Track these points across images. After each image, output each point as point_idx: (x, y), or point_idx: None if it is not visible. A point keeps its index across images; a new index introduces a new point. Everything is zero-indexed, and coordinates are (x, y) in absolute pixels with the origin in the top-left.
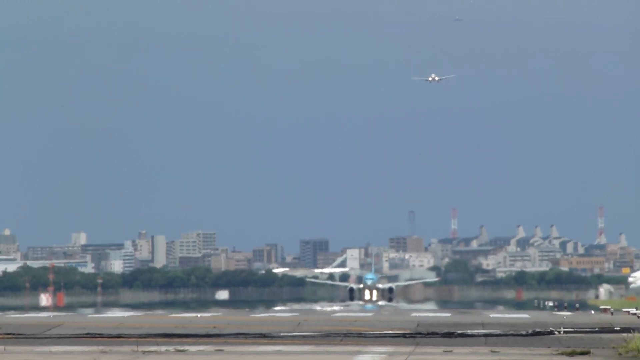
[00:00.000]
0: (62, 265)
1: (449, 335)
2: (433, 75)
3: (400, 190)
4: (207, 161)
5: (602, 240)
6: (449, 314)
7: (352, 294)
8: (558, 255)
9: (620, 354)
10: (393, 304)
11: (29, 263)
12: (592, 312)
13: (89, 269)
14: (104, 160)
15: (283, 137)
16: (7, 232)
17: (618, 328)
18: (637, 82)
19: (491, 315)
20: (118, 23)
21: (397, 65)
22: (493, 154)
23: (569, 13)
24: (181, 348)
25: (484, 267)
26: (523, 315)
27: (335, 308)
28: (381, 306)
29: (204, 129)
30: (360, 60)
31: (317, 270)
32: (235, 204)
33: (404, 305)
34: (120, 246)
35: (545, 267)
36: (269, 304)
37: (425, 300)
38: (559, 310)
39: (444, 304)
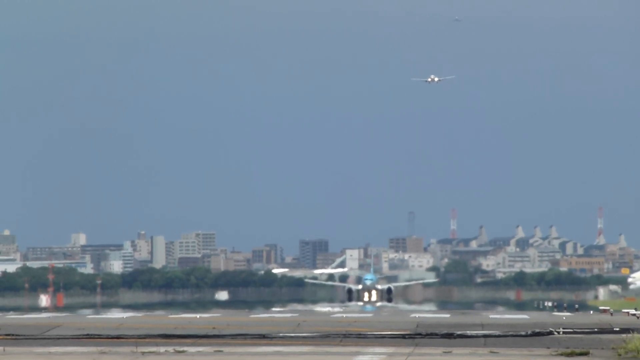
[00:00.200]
0: (62, 265)
1: (449, 336)
2: (432, 76)
3: (399, 190)
4: (206, 162)
5: (602, 240)
6: (448, 315)
7: (350, 295)
8: (557, 256)
9: (619, 355)
10: (392, 304)
11: (28, 264)
12: (592, 312)
13: (88, 269)
14: (104, 160)
15: (283, 137)
16: (6, 232)
17: (617, 329)
18: (637, 82)
19: (490, 316)
20: (118, 23)
21: (397, 65)
22: (492, 155)
23: (569, 13)
24: (180, 349)
25: (484, 267)
26: (522, 316)
27: (335, 309)
28: (380, 307)
29: (203, 129)
30: (360, 60)
31: (316, 271)
32: (234, 204)
33: (403, 305)
34: (119, 247)
35: (544, 268)
36: (268, 304)
37: (425, 300)
38: (558, 311)
39: (443, 304)
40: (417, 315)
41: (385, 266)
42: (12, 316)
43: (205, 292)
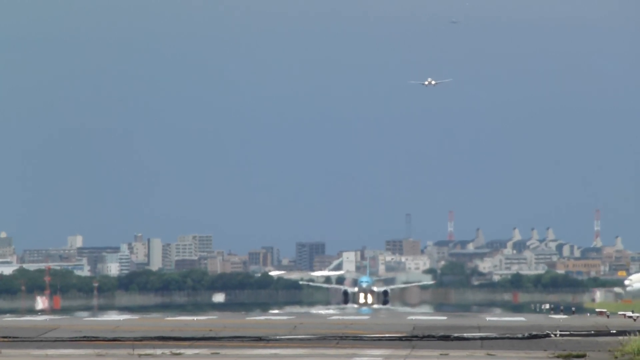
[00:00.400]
0: (58, 268)
1: (445, 338)
2: (430, 79)
3: (397, 192)
4: (203, 164)
5: (599, 243)
6: (445, 317)
7: (346, 297)
8: (554, 258)
9: (616, 357)
10: (388, 306)
11: (25, 266)
12: (588, 315)
13: (85, 272)
14: (101, 162)
15: (280, 139)
16: (3, 234)
17: (614, 331)
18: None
19: (487, 318)
20: (117, 23)
21: (395, 66)
22: (489, 157)
23: (569, 13)
24: (177, 351)
25: (480, 270)
26: (519, 318)
27: (331, 311)
28: (376, 309)
29: (201, 130)
30: (359, 61)
31: (313, 273)
32: (231, 206)
33: (399, 308)
34: (116, 249)
35: (541, 270)
36: (265, 307)
37: (422, 303)
38: (555, 313)
39: (440, 306)
40: (413, 317)
41: (381, 268)
42: (8, 319)
43: (202, 294)
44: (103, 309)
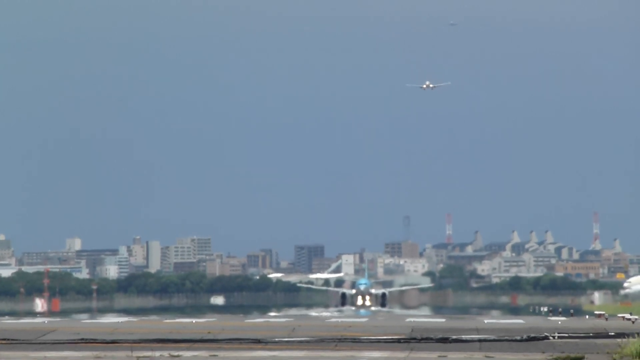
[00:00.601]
0: (57, 270)
1: (444, 340)
2: (427, 83)
3: (395, 195)
4: (202, 167)
5: (597, 245)
6: (443, 319)
7: (344, 300)
8: (553, 261)
9: (614, 359)
10: (386, 309)
11: (23, 268)
12: (587, 317)
13: (83, 274)
14: (100, 165)
15: (279, 141)
16: (1, 237)
17: (612, 333)
18: (636, 84)
19: (486, 321)
20: (118, 25)
21: (393, 68)
22: (488, 159)
23: (568, 14)
24: (175, 353)
25: (479, 272)
26: (518, 321)
27: (329, 314)
28: (374, 311)
29: (199, 133)
30: (357, 63)
31: (312, 276)
32: (230, 209)
33: (398, 310)
34: (115, 252)
35: (540, 273)
36: (263, 309)
37: (420, 305)
38: (553, 316)
39: (438, 309)
40: (412, 319)
41: (380, 271)
42: (7, 321)
43: (201, 296)
44: (102, 311)
